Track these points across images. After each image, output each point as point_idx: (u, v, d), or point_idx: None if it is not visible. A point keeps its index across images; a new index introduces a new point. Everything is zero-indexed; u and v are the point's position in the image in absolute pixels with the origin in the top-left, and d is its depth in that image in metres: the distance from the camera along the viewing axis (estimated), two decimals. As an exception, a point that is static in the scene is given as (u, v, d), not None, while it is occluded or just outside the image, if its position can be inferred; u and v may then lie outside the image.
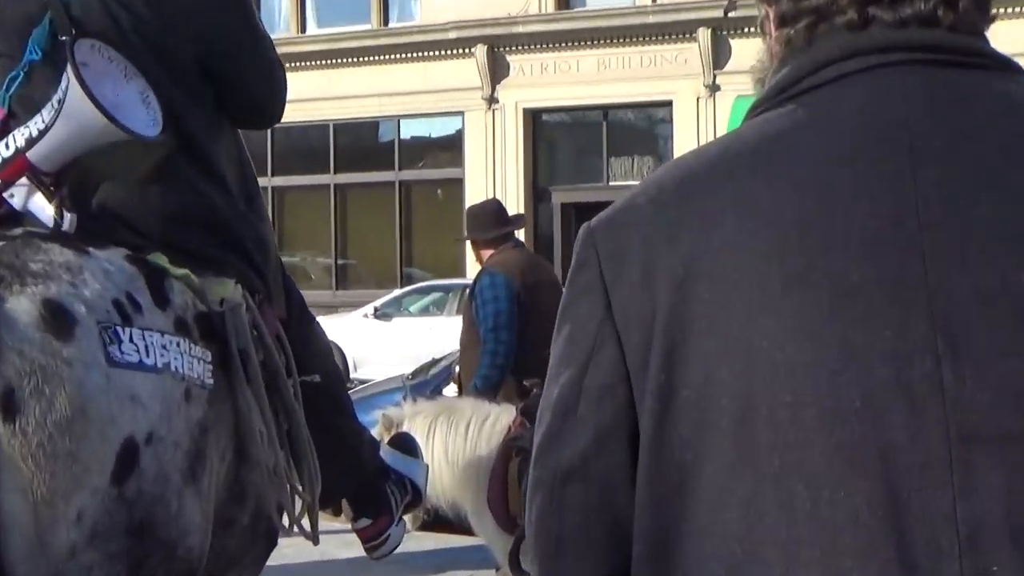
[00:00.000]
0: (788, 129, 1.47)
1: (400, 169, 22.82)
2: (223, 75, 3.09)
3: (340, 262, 23.38)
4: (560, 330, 1.53)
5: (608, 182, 21.30)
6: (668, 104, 20.80)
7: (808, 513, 1.37)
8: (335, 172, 23.24)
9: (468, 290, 6.72)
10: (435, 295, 18.67)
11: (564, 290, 1.56)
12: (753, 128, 1.50)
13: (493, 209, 6.93)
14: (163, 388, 2.66)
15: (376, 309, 18.38)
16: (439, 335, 15.53)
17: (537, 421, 1.57)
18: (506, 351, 6.37)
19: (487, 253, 6.75)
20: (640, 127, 21.74)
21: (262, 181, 3.93)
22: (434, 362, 10.24)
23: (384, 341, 17.48)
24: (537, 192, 21.71)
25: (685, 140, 19.79)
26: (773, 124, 1.49)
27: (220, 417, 2.87)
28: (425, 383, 9.01)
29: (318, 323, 3.65)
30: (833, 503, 1.36)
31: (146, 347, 2.63)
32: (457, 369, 6.99)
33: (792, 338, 1.39)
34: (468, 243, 6.97)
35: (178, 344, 2.72)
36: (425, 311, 18.36)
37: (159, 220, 2.93)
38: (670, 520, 1.44)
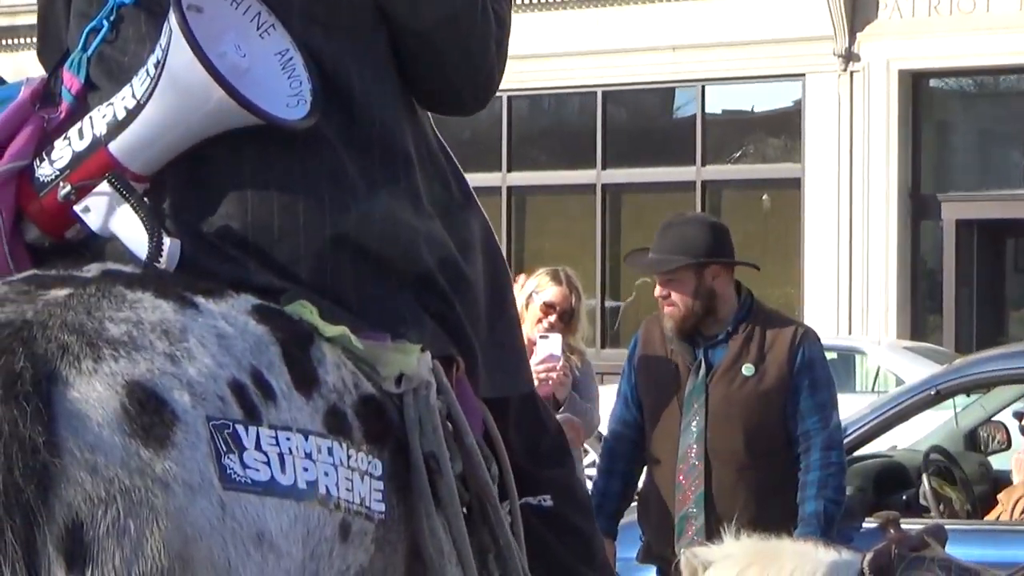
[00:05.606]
0: None
1: (703, 164, 21.67)
2: (403, 28, 2.87)
3: (608, 304, 22.60)
4: None
5: (1032, 188, 20.20)
6: None
7: None
8: (602, 167, 22.23)
9: (787, 360, 6.37)
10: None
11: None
12: None
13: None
14: (307, 522, 2.48)
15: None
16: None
17: None
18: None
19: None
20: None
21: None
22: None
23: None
24: (918, 201, 20.48)
25: None
26: None
27: (392, 563, 2.65)
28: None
29: (544, 402, 3.37)
30: None
31: (281, 457, 2.45)
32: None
33: None
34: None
35: (330, 451, 2.53)
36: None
37: (307, 248, 2.75)
38: None
